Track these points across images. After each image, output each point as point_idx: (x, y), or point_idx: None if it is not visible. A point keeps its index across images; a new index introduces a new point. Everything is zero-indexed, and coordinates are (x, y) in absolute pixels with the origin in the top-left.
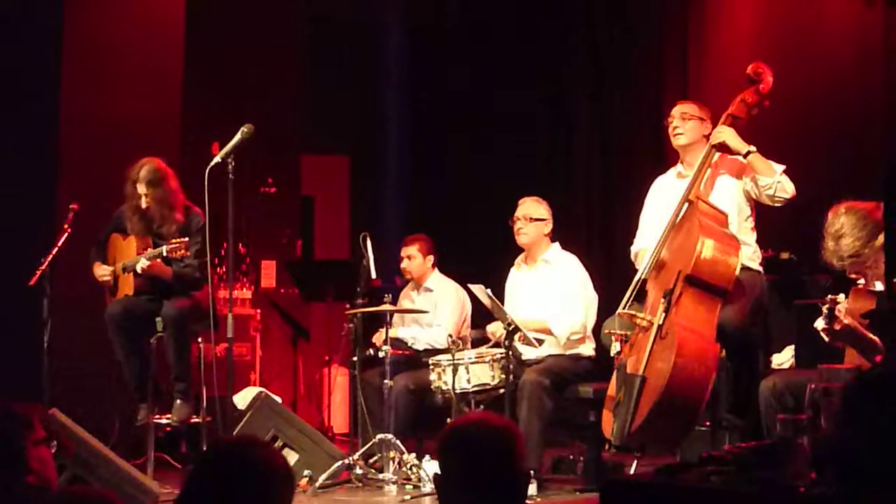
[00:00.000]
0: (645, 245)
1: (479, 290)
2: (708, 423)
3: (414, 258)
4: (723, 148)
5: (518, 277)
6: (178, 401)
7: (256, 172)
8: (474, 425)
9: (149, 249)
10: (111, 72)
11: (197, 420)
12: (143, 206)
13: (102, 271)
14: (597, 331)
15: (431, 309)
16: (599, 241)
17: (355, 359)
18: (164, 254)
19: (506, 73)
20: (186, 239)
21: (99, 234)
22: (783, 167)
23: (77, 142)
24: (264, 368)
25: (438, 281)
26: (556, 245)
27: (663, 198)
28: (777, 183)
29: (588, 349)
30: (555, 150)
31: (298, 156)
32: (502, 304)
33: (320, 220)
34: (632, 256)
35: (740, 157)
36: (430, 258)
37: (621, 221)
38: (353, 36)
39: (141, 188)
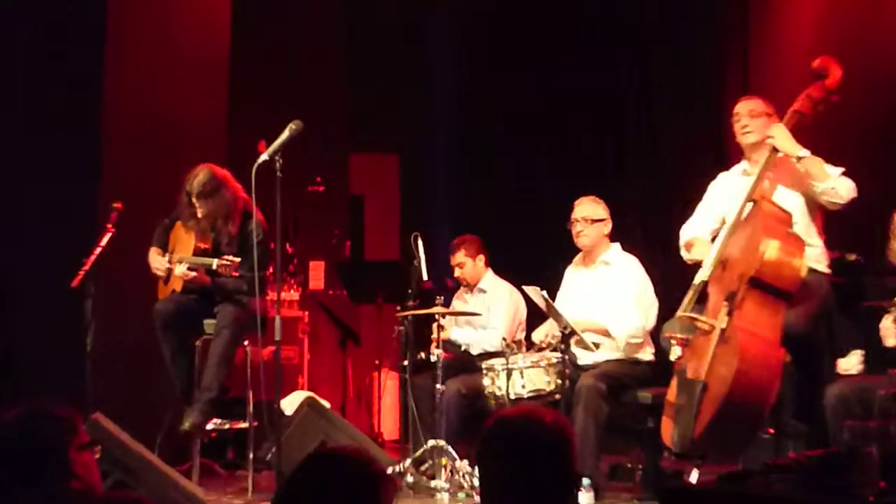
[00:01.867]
0: (696, 234)
1: (534, 292)
2: (772, 431)
3: (464, 264)
4: (776, 149)
5: (575, 278)
6: (197, 410)
7: (305, 171)
8: (522, 418)
9: (187, 257)
10: (155, 69)
11: (244, 425)
12: (199, 215)
13: (158, 262)
14: (656, 335)
15: (485, 311)
16: (657, 243)
17: (406, 362)
18: (214, 268)
19: (556, 70)
20: (238, 260)
21: (163, 219)
22: (840, 170)
23: (119, 139)
24: (312, 372)
25: (492, 282)
26: (616, 245)
27: (726, 193)
28: (831, 188)
29: (647, 354)
30: (608, 150)
31: (347, 154)
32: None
33: (370, 220)
34: (680, 241)
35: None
36: (481, 258)
37: (679, 223)
38: (403, 31)
39: (195, 201)
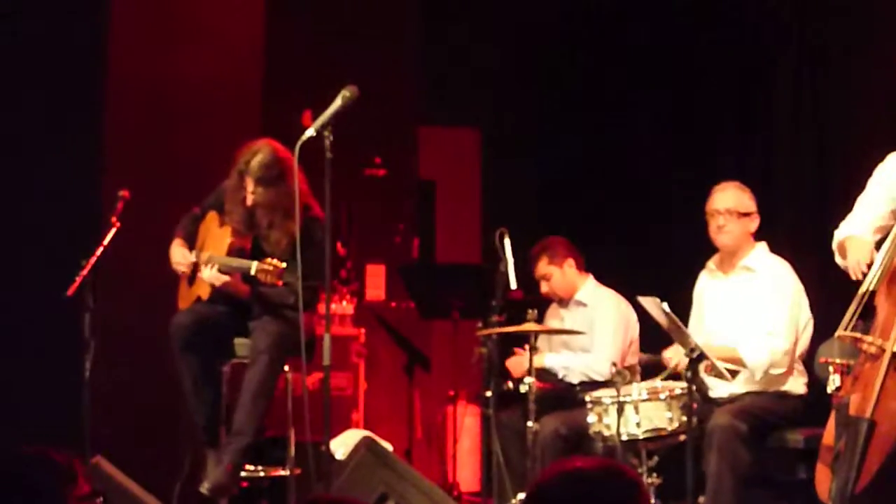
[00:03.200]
0: (855, 231)
1: (653, 305)
2: None
3: (550, 275)
4: None
5: (709, 286)
6: (226, 461)
7: (361, 149)
8: (584, 475)
9: (219, 258)
10: (170, 23)
11: (283, 473)
12: (249, 203)
13: (180, 256)
14: (810, 360)
15: (587, 329)
16: (812, 247)
17: (489, 394)
18: (252, 273)
19: (690, 33)
20: (284, 265)
21: (201, 203)
22: None
23: (125, 112)
24: (370, 406)
25: (594, 292)
26: (763, 246)
27: None
28: None
29: (798, 385)
30: (748, 140)
31: (415, 128)
32: (685, 322)
33: (443, 212)
34: (834, 245)
35: None
36: (570, 264)
37: (837, 223)
38: None
39: (249, 184)
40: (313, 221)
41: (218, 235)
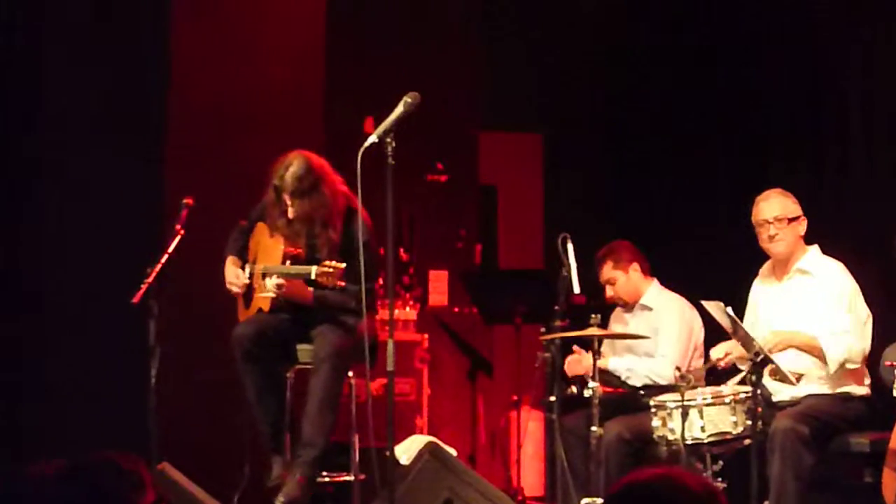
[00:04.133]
0: None
1: (717, 309)
2: None
3: (615, 280)
4: None
5: (764, 294)
6: (297, 474)
7: (423, 155)
8: (659, 484)
9: (287, 263)
10: (231, 33)
11: (347, 478)
12: (291, 216)
13: (233, 276)
14: (872, 363)
15: (652, 333)
16: (872, 244)
17: (553, 399)
18: (312, 277)
19: (745, 26)
20: (343, 265)
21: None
22: None
23: (187, 119)
24: (434, 411)
25: (658, 296)
26: (815, 249)
27: None
28: None
29: (861, 387)
30: (800, 131)
31: (476, 133)
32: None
33: (506, 217)
34: None
35: None
36: (635, 268)
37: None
38: None
39: (287, 198)
40: (356, 225)
41: (270, 246)
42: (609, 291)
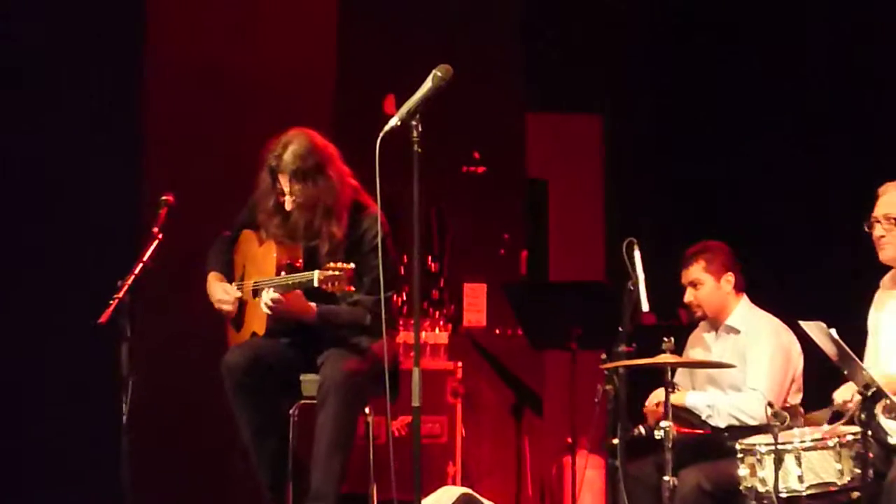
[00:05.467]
0: None
1: (818, 331)
2: None
3: (702, 283)
4: None
5: (890, 308)
6: None
7: (457, 142)
8: None
9: (282, 274)
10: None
11: None
12: (288, 207)
13: (222, 292)
14: None
15: (739, 361)
16: None
17: (615, 441)
18: (315, 284)
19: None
20: (352, 266)
21: (228, 226)
22: None
23: (168, 99)
24: (469, 456)
25: (748, 317)
26: None
27: None
28: None
29: None
30: None
31: (522, 115)
32: (859, 355)
33: (558, 218)
34: None
35: None
36: (729, 279)
37: None
38: None
39: (284, 182)
40: (367, 219)
41: (260, 256)
42: (689, 295)
